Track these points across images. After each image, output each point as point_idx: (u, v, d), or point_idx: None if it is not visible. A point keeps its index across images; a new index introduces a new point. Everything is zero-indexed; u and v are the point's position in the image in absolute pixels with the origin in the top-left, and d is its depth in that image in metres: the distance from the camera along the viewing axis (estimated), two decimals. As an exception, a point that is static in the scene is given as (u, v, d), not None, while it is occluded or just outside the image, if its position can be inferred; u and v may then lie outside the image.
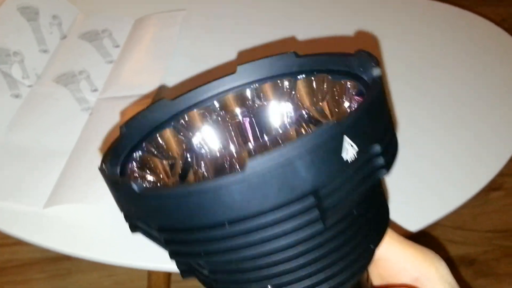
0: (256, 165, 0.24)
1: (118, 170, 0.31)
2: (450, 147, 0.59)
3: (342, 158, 0.25)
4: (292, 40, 0.70)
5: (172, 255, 0.28)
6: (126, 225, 0.48)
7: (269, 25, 0.74)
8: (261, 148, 0.33)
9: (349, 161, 0.25)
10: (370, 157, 0.26)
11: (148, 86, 0.63)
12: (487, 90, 0.65)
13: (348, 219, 0.28)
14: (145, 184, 0.32)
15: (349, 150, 0.25)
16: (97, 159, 0.55)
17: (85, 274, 1.09)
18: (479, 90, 0.66)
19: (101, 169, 0.29)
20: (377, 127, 0.27)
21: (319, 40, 0.70)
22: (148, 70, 0.66)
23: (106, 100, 0.63)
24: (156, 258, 0.49)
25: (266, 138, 0.36)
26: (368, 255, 0.30)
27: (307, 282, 0.28)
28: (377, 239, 0.30)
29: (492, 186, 0.58)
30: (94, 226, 0.51)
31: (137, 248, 0.49)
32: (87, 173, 0.54)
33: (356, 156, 0.25)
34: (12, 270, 1.11)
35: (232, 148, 0.36)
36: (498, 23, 0.76)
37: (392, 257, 0.32)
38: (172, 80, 0.65)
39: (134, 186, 0.25)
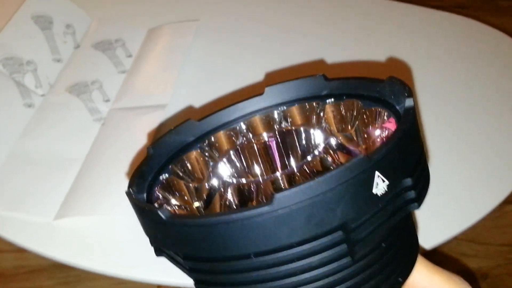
0: (284, 198, 0.23)
1: (145, 194, 0.31)
2: (467, 162, 0.58)
3: (372, 192, 0.24)
4: (320, 63, 0.68)
5: (196, 283, 0.28)
6: (137, 238, 0.48)
7: (290, 44, 0.72)
8: (289, 175, 0.32)
9: (379, 195, 0.25)
10: (400, 191, 0.26)
11: (160, 96, 0.63)
12: (506, 106, 0.64)
13: (376, 252, 0.27)
14: (170, 208, 0.31)
15: (380, 185, 0.25)
16: (109, 170, 0.55)
17: (94, 282, 1.08)
18: (499, 106, 0.65)
19: (128, 194, 0.29)
20: (408, 161, 0.26)
21: (348, 64, 0.68)
22: (160, 81, 0.65)
23: (118, 110, 0.62)
24: (167, 272, 0.48)
25: (293, 163, 0.35)
26: None
27: None
28: (406, 272, 0.30)
29: (507, 200, 0.57)
30: (104, 238, 0.51)
31: (148, 261, 0.49)
32: (98, 184, 0.54)
33: (386, 190, 0.25)
34: (21, 277, 1.11)
35: (258, 171, 0.36)
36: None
37: (419, 285, 0.31)
38: (184, 91, 0.65)
39: (161, 214, 0.25)
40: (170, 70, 0.66)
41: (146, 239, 0.50)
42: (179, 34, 0.71)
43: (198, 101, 0.64)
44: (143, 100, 0.63)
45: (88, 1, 0.74)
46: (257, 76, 0.66)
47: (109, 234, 0.51)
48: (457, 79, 0.68)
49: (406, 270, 0.30)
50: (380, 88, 0.32)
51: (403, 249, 0.29)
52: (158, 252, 0.29)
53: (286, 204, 0.23)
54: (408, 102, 0.28)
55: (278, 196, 0.23)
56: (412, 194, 0.26)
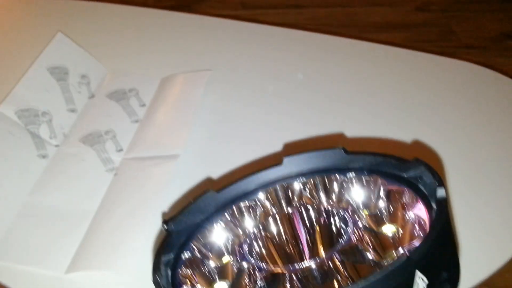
0: None
1: (170, 273, 0.31)
2: (485, 206, 0.57)
3: None
4: (339, 136, 0.66)
5: None
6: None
7: (307, 109, 0.71)
8: (319, 263, 0.32)
9: None
10: (438, 284, 0.26)
11: (173, 146, 0.64)
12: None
13: None
14: None
15: (420, 284, 0.25)
16: (121, 223, 0.55)
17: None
18: None
19: (155, 282, 0.29)
20: (444, 255, 0.27)
21: (369, 140, 0.66)
22: (173, 131, 0.66)
23: (131, 160, 0.63)
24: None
25: (318, 240, 0.35)
26: None
27: None
28: None
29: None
30: (115, 294, 0.51)
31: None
32: (110, 237, 0.54)
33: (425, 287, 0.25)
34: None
35: (283, 253, 0.35)
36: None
37: None
38: (197, 141, 0.65)
39: None
40: (183, 120, 0.67)
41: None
42: (192, 84, 0.72)
43: (211, 152, 0.64)
44: (156, 150, 0.64)
45: (103, 52, 0.76)
46: (270, 132, 0.66)
47: (120, 288, 0.51)
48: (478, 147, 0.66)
49: None
50: (403, 167, 0.32)
51: None
52: None
53: None
54: (440, 193, 0.28)
55: None
56: (447, 286, 0.27)
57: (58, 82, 0.68)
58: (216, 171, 0.61)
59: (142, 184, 0.60)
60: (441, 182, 0.29)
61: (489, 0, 1.61)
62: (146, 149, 0.64)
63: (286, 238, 0.36)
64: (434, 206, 0.29)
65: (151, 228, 0.55)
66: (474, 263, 0.53)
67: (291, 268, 0.33)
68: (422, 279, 0.25)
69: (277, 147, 0.62)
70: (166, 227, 0.32)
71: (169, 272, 0.32)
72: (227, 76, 0.75)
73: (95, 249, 0.53)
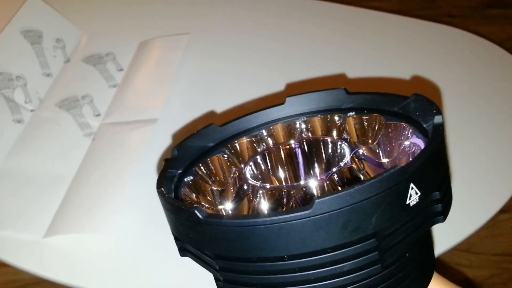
0: (324, 204, 0.24)
1: (172, 194, 0.32)
2: (462, 174, 0.58)
3: (406, 202, 0.25)
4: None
5: (225, 283, 0.28)
6: (127, 256, 0.48)
7: (293, 58, 0.72)
8: (320, 183, 0.33)
9: (411, 206, 0.26)
10: (430, 203, 0.27)
11: (151, 111, 0.63)
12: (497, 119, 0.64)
13: (401, 262, 0.28)
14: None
15: (413, 196, 0.26)
16: (99, 186, 0.55)
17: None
18: (492, 117, 0.65)
19: (160, 193, 0.30)
20: (438, 175, 0.27)
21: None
22: (151, 95, 0.65)
23: (109, 125, 0.62)
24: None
25: (318, 172, 0.36)
26: None
27: None
28: (425, 283, 0.31)
29: (500, 209, 0.58)
30: (95, 257, 0.50)
31: (138, 280, 0.48)
32: (88, 201, 0.53)
33: (418, 201, 0.26)
34: (13, 291, 1.10)
35: (283, 178, 0.37)
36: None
37: None
38: (176, 105, 0.64)
39: (198, 214, 0.26)
40: (161, 84, 0.66)
41: (137, 258, 0.50)
42: (170, 48, 0.71)
43: (190, 116, 0.63)
44: (134, 115, 0.63)
45: (79, 15, 0.74)
46: (254, 91, 0.66)
47: (100, 252, 0.51)
48: (456, 91, 0.68)
49: (425, 282, 0.31)
50: (404, 105, 0.33)
51: (424, 261, 0.30)
52: (182, 252, 0.30)
53: (325, 209, 0.24)
54: (437, 119, 0.29)
55: (318, 201, 0.24)
56: (439, 207, 0.27)
57: (32, 45, 0.66)
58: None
59: (120, 148, 0.59)
60: (439, 112, 0.29)
61: (470, -32, 1.61)
62: (124, 114, 0.63)
63: (286, 166, 0.37)
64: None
65: (130, 191, 0.54)
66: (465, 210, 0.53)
67: (293, 186, 0.34)
68: (416, 192, 0.26)
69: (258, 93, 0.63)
70: (173, 153, 0.34)
71: (173, 187, 0.32)
72: (206, 38, 0.74)
73: (73, 212, 0.52)
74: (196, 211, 0.26)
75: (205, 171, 0.35)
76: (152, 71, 0.68)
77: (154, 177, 0.58)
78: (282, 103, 0.37)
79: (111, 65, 0.69)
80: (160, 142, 0.60)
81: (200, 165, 0.35)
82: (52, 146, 0.59)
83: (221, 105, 0.64)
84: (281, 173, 0.37)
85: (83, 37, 0.72)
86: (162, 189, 0.30)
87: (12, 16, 0.67)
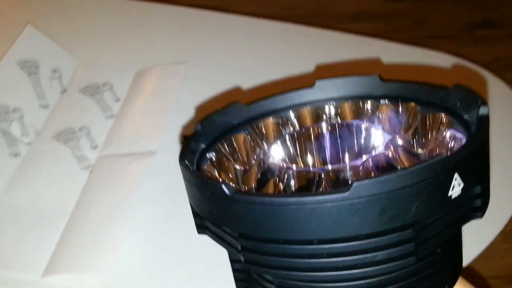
0: (363, 187, 0.23)
1: (195, 168, 0.31)
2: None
3: (447, 194, 0.24)
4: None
5: (246, 263, 0.27)
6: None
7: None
8: (353, 169, 0.31)
9: (453, 198, 0.25)
10: (470, 197, 0.26)
11: (149, 142, 0.62)
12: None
13: (433, 256, 0.27)
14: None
15: (456, 188, 0.25)
16: (98, 222, 0.54)
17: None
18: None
19: (184, 166, 0.29)
20: (481, 169, 0.26)
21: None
22: (149, 126, 0.65)
23: (106, 157, 0.61)
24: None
25: (347, 158, 0.34)
26: None
27: None
28: (452, 281, 0.30)
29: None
30: (94, 296, 0.50)
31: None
32: (86, 237, 0.53)
33: (460, 194, 0.25)
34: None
35: (310, 162, 0.35)
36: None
37: None
38: (174, 136, 0.64)
39: (226, 189, 0.25)
40: (159, 115, 0.66)
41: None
42: (167, 77, 0.71)
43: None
44: (132, 146, 0.62)
45: (75, 44, 0.74)
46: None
47: (99, 290, 0.50)
48: None
49: (452, 280, 0.30)
50: (443, 95, 0.31)
51: (454, 259, 0.29)
52: (201, 229, 0.29)
53: (363, 194, 0.23)
54: (483, 110, 0.28)
55: (356, 184, 0.23)
56: (478, 202, 0.26)
57: (29, 76, 0.66)
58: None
59: (118, 181, 0.59)
60: (485, 102, 0.28)
61: (458, -11, 1.63)
62: (121, 146, 0.63)
63: (315, 150, 0.35)
64: (473, 129, 0.29)
65: (129, 226, 0.53)
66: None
67: (324, 169, 0.32)
68: (459, 183, 0.24)
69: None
70: (196, 127, 0.32)
71: (195, 162, 0.31)
72: (203, 67, 0.74)
73: (72, 250, 0.52)
74: (223, 186, 0.25)
75: (228, 149, 0.33)
76: (149, 101, 0.68)
77: (152, 210, 0.57)
78: (312, 86, 0.35)
79: (108, 95, 0.69)
80: (158, 174, 0.60)
81: (224, 142, 0.33)
82: (50, 181, 0.58)
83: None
84: (309, 157, 0.35)
85: (79, 66, 0.72)
86: (186, 161, 0.29)
87: (8, 46, 0.67)
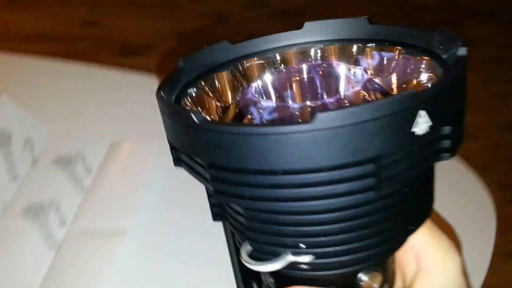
0: (326, 119, 0.23)
1: (173, 100, 0.31)
2: None
3: (413, 130, 0.24)
4: None
5: (216, 193, 0.27)
6: None
7: None
8: (323, 108, 0.31)
9: (419, 135, 0.24)
10: (438, 137, 0.26)
11: (120, 221, 0.62)
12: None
13: (398, 195, 0.27)
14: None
15: (422, 125, 0.24)
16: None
17: None
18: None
19: (159, 96, 0.29)
20: (452, 108, 0.26)
21: None
22: (121, 203, 0.64)
23: (75, 235, 0.60)
24: None
25: (327, 98, 0.34)
26: (405, 236, 0.29)
27: (342, 247, 0.27)
28: (418, 222, 0.29)
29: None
30: None
31: None
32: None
33: (427, 132, 0.24)
34: None
35: (290, 103, 0.35)
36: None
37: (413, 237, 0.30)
38: (147, 215, 0.63)
39: (195, 118, 0.25)
40: (132, 192, 0.65)
41: None
42: (142, 152, 0.70)
43: (162, 227, 0.62)
44: (102, 224, 0.61)
45: (48, 115, 0.73)
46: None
47: None
48: None
49: (419, 221, 0.29)
50: (428, 38, 0.31)
51: (421, 200, 0.29)
52: (177, 161, 0.30)
53: (327, 125, 0.23)
54: (462, 51, 0.27)
55: (320, 115, 0.23)
56: (447, 143, 0.26)
57: (1, 148, 0.64)
58: (168, 243, 0.59)
59: (86, 262, 0.57)
60: (465, 44, 0.28)
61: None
62: (91, 223, 0.62)
63: (295, 89, 0.35)
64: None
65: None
66: None
67: (298, 105, 0.32)
68: (425, 121, 0.24)
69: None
70: (178, 63, 0.33)
71: (174, 95, 0.31)
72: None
73: None
74: (192, 115, 0.25)
75: (210, 86, 0.33)
76: (122, 177, 0.67)
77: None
78: (300, 28, 0.35)
79: (80, 167, 0.68)
80: (128, 256, 0.58)
81: (206, 79, 0.33)
82: (15, 259, 0.57)
83: (192, 213, 0.64)
84: (289, 96, 0.35)
85: (52, 137, 0.71)
86: (162, 92, 0.29)
87: (-20, 116, 0.66)
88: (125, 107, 0.80)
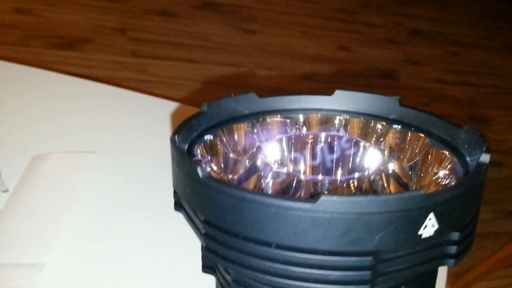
0: (330, 203, 0.22)
1: (187, 146, 0.31)
2: None
3: (418, 232, 0.24)
4: None
5: (206, 250, 0.27)
6: None
7: None
8: (334, 184, 0.31)
9: (423, 238, 0.23)
10: (444, 242, 0.25)
11: (41, 252, 0.52)
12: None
13: None
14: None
15: (428, 228, 0.23)
16: None
17: None
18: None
19: (172, 140, 0.29)
20: (464, 215, 0.25)
21: None
22: (41, 230, 0.55)
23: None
24: None
25: (340, 173, 0.34)
26: None
27: None
28: None
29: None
30: None
31: None
32: None
33: (432, 235, 0.24)
34: None
35: (302, 168, 0.34)
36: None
37: None
38: (73, 245, 0.54)
39: (199, 172, 0.25)
40: (56, 216, 0.56)
41: None
42: (70, 167, 0.61)
43: (86, 262, 0.53)
44: (20, 256, 0.52)
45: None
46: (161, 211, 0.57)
47: None
48: None
49: None
50: (454, 133, 0.31)
51: None
52: (178, 206, 0.30)
53: (329, 209, 0.22)
54: (484, 157, 0.27)
55: (324, 198, 0.22)
56: (453, 249, 0.25)
57: None
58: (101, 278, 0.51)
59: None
60: (489, 150, 0.27)
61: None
62: (5, 255, 0.52)
63: (309, 157, 0.35)
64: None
65: None
66: None
67: (306, 178, 0.32)
68: (433, 225, 0.23)
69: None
70: (202, 109, 0.33)
71: (189, 140, 0.31)
72: (111, 158, 0.65)
73: None
74: (198, 168, 0.25)
75: (227, 136, 0.33)
76: (45, 197, 0.58)
77: None
78: (330, 94, 0.35)
79: (-6, 184, 0.58)
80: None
81: (226, 128, 0.33)
82: None
83: (121, 249, 0.55)
84: (301, 163, 0.35)
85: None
86: (176, 137, 0.29)
87: None
88: (52, 114, 0.70)
